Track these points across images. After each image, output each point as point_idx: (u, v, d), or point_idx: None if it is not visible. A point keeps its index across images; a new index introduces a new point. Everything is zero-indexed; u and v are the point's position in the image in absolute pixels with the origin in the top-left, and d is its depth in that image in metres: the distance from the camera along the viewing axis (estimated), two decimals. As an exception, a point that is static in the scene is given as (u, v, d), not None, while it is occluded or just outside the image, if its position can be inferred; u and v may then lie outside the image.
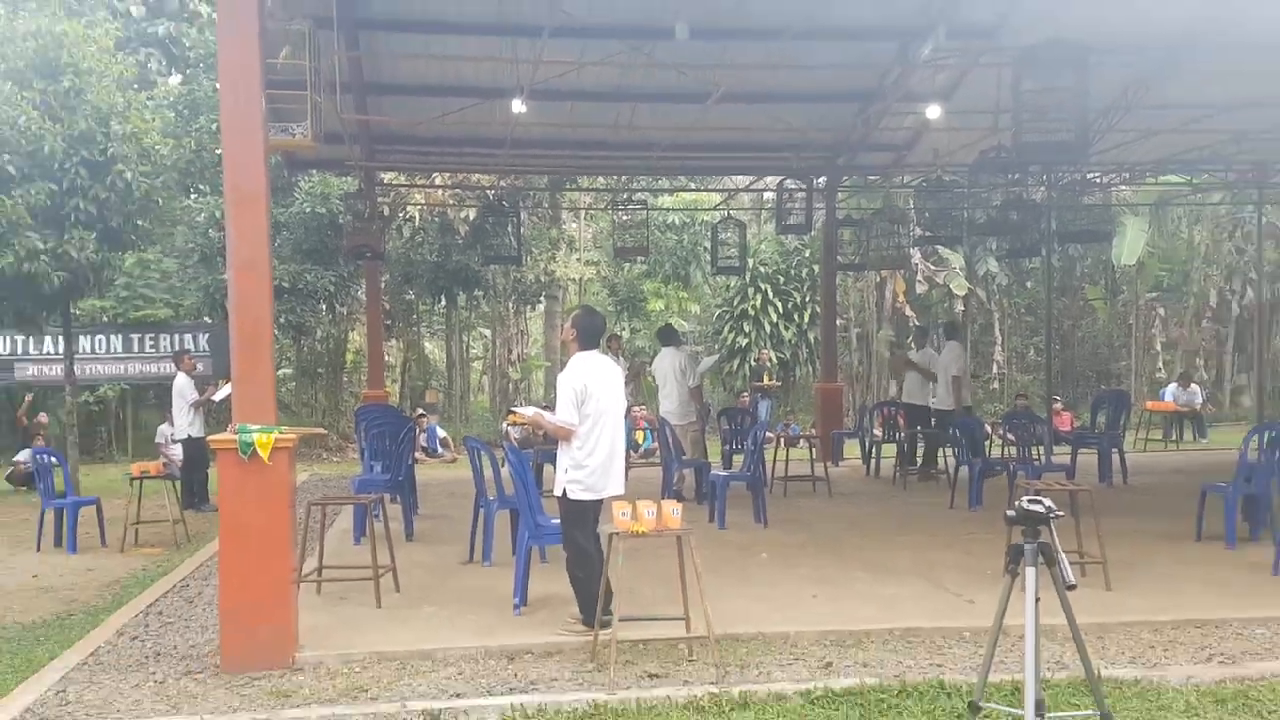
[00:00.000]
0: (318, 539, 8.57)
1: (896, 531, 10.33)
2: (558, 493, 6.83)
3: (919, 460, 14.24)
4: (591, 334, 7.02)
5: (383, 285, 17.24)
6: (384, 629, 7.04)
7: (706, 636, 6.34)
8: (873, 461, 14.86)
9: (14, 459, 16.17)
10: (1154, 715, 5.53)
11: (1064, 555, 2.95)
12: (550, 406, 7.68)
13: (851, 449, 15.87)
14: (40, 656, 6.80)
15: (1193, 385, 21.54)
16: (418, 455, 12.51)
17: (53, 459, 11.96)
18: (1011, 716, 2.95)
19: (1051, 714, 3.17)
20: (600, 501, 6.83)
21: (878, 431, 15.21)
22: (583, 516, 6.79)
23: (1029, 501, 2.91)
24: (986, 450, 12.81)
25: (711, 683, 5.90)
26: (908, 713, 5.58)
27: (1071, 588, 2.90)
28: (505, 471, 8.58)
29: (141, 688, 6.12)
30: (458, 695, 5.82)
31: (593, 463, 6.70)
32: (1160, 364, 25.73)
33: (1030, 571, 2.88)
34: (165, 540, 11.02)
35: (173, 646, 6.95)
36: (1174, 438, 20.00)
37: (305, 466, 16.03)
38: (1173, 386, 21.57)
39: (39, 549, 10.85)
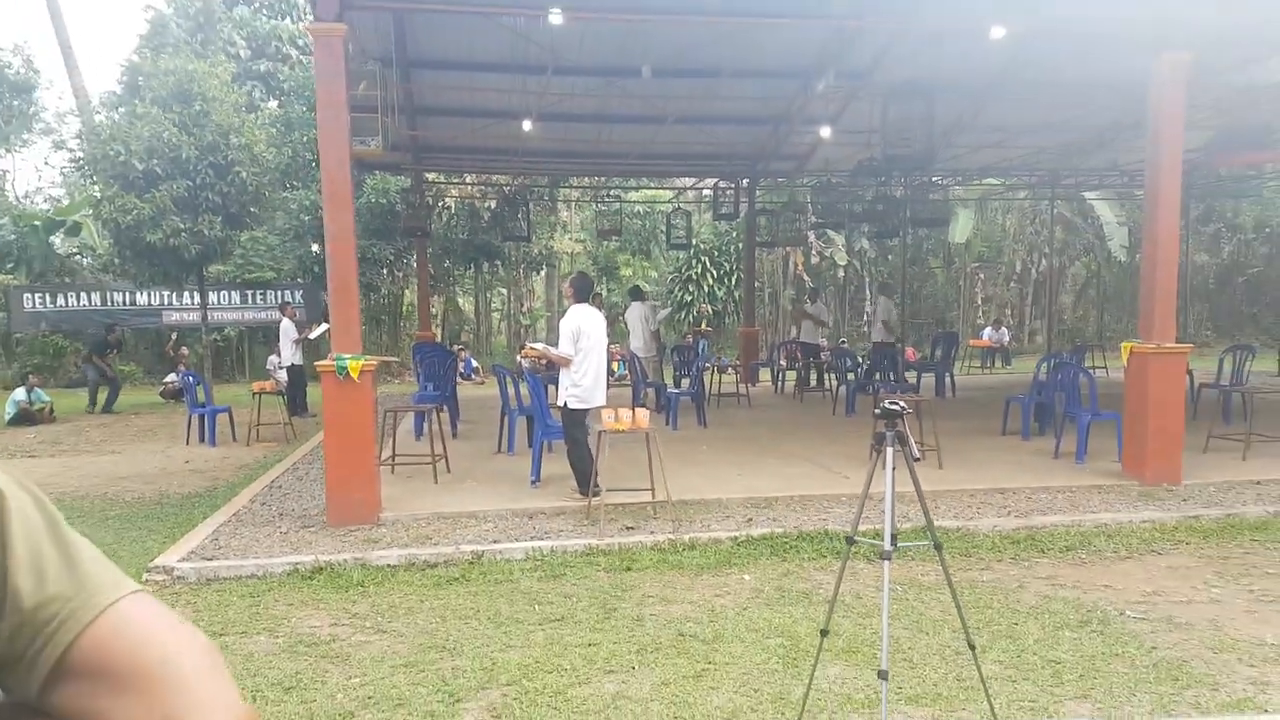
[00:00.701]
0: (391, 436, 8.68)
1: (795, 431, 10.56)
2: (560, 403, 6.96)
3: (811, 382, 14.45)
4: (583, 291, 7.12)
5: (428, 256, 17.10)
6: (440, 497, 7.19)
7: (665, 501, 6.54)
8: (779, 384, 15.08)
9: (164, 380, 16.10)
10: (970, 550, 5.81)
11: (912, 440, 3.12)
12: (553, 344, 7.77)
13: (764, 375, 16.07)
14: (196, 516, 6.92)
15: (1002, 328, 21.90)
16: (457, 379, 12.55)
17: (193, 379, 11.94)
18: (874, 545, 3.13)
19: (901, 543, 3.36)
20: (589, 409, 6.97)
21: (783, 362, 15.39)
22: (579, 420, 6.94)
23: (889, 403, 3.07)
24: (858, 374, 12.98)
25: (670, 533, 6.09)
26: (804, 549, 5.83)
27: (917, 460, 3.07)
28: (523, 389, 8.70)
29: (272, 536, 6.26)
30: (495, 541, 5.99)
31: (586, 382, 6.83)
32: (980, 313, 26.10)
33: (889, 451, 3.05)
34: (278, 438, 11.09)
35: (291, 510, 7.07)
36: (988, 365, 20.38)
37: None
38: (988, 329, 21.91)
39: (188, 443, 10.90)
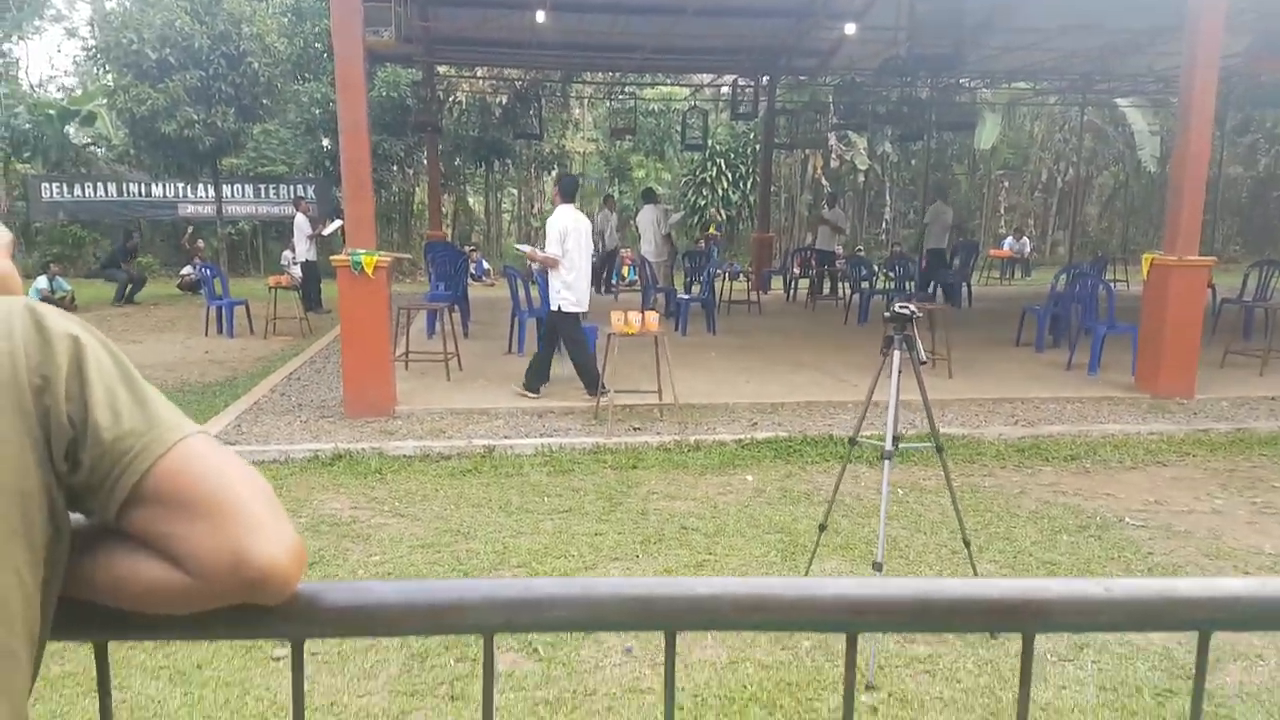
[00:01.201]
0: (404, 333, 8.76)
1: (805, 339, 10.59)
2: (553, 308, 6.98)
3: (824, 290, 14.37)
4: (569, 191, 7.08)
5: (439, 153, 16.88)
6: (452, 394, 7.32)
7: (672, 404, 6.64)
8: (791, 292, 15.02)
9: (181, 272, 16.20)
10: (974, 457, 5.92)
11: (920, 344, 3.15)
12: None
13: (776, 283, 16.00)
14: (218, 405, 7.09)
15: (1024, 238, 21.59)
16: (468, 280, 12.56)
17: (210, 271, 12.02)
18: (876, 446, 3.21)
19: (903, 445, 3.43)
20: (582, 312, 6.98)
21: (796, 270, 15.28)
22: (574, 323, 6.97)
23: (899, 307, 3.09)
24: (872, 283, 12.89)
25: (676, 434, 6.22)
26: (807, 453, 5.95)
27: (924, 363, 3.11)
28: (534, 291, 8.74)
29: (292, 425, 6.43)
30: (505, 437, 6.14)
31: (576, 282, 6.84)
32: (1002, 222, 25.73)
33: (896, 354, 3.09)
34: (294, 332, 11.22)
35: (310, 400, 7.23)
36: (1008, 276, 20.21)
37: (389, 283, 16.08)
38: (1009, 239, 21.61)
39: (206, 334, 11.06)
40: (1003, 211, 26.11)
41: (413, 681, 3.09)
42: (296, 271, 13.20)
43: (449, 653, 3.25)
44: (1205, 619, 0.78)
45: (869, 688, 3.01)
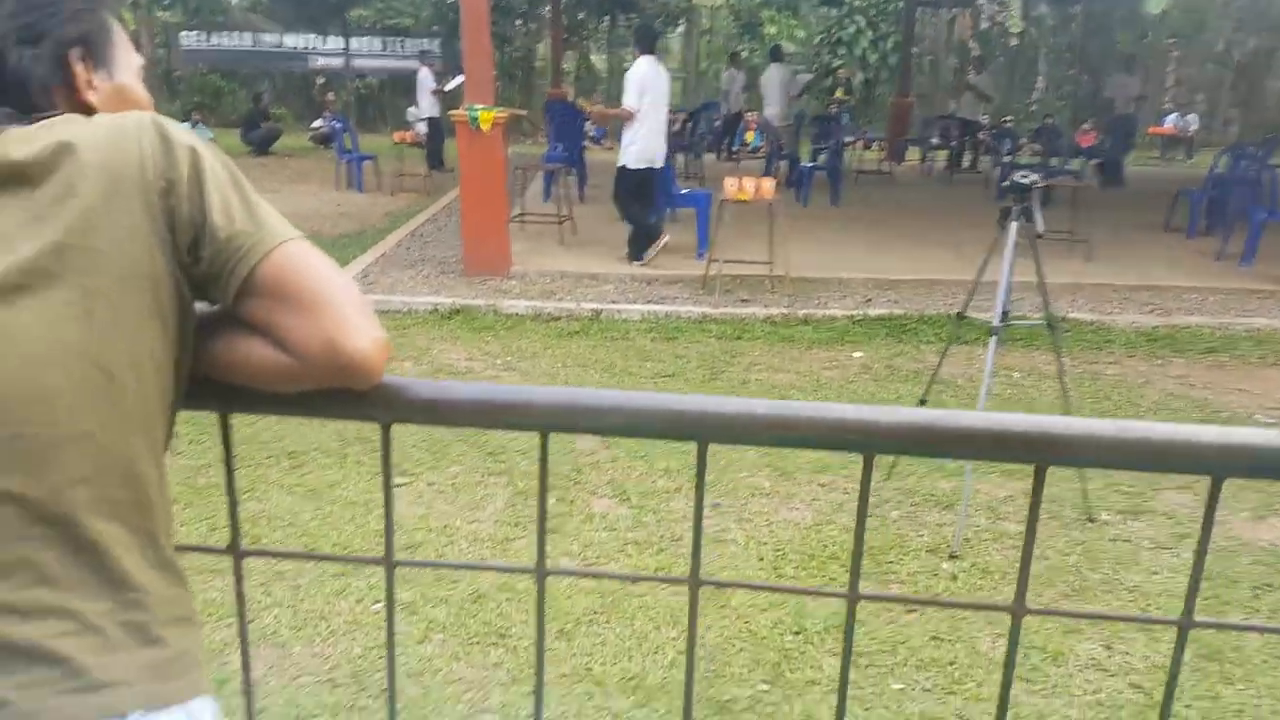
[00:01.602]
0: (520, 195, 8.93)
1: (936, 214, 10.21)
2: (621, 163, 6.94)
3: (965, 163, 13.64)
4: (649, 41, 6.96)
5: (561, 6, 16.54)
6: (565, 257, 7.49)
7: (783, 276, 6.61)
8: (928, 163, 14.34)
9: (312, 125, 16.75)
10: (1101, 344, 5.72)
11: (1039, 216, 3.05)
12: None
13: (913, 153, 15.27)
14: (347, 257, 7.47)
15: (1189, 115, 19.77)
16: (585, 144, 12.47)
17: (340, 124, 12.41)
18: (984, 322, 3.16)
19: (1014, 321, 3.36)
20: (654, 170, 6.94)
21: (935, 140, 14.52)
22: (637, 180, 6.94)
23: (1019, 176, 2.98)
24: (1015, 157, 12.14)
25: (785, 307, 6.22)
26: (922, 332, 5.87)
27: (1040, 236, 3.01)
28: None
29: (415, 278, 6.77)
30: (613, 302, 6.29)
31: (646, 136, 6.78)
32: (1168, 97, 23.56)
33: (1013, 225, 3.00)
34: (419, 188, 11.56)
35: (431, 256, 7.55)
36: (1169, 156, 18.68)
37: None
38: (1174, 115, 19.84)
39: (337, 188, 11.53)
40: (1169, 85, 23.86)
41: (515, 514, 3.35)
42: (421, 128, 13.47)
43: (550, 494, 3.50)
44: (1217, 463, 0.81)
45: (952, 557, 3.09)
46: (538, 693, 1.06)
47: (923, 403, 3.54)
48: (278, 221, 0.89)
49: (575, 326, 5.81)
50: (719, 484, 3.65)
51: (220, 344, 0.91)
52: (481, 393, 0.96)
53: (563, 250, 7.71)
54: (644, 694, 2.34)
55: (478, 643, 2.57)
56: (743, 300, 6.40)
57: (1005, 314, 3.08)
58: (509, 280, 6.77)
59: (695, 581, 1.03)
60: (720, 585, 1.08)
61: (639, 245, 7.09)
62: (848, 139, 12.19)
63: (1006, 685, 0.97)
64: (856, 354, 5.47)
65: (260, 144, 15.27)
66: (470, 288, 6.54)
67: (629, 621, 2.68)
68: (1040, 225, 2.96)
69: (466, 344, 5.43)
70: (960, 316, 3.35)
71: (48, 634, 0.78)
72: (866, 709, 2.32)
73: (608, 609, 2.73)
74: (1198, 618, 0.91)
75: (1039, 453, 0.88)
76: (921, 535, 3.24)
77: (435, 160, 13.05)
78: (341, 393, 0.92)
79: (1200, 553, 0.86)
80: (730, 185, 6.37)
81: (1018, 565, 2.95)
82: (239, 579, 1.07)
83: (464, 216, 6.90)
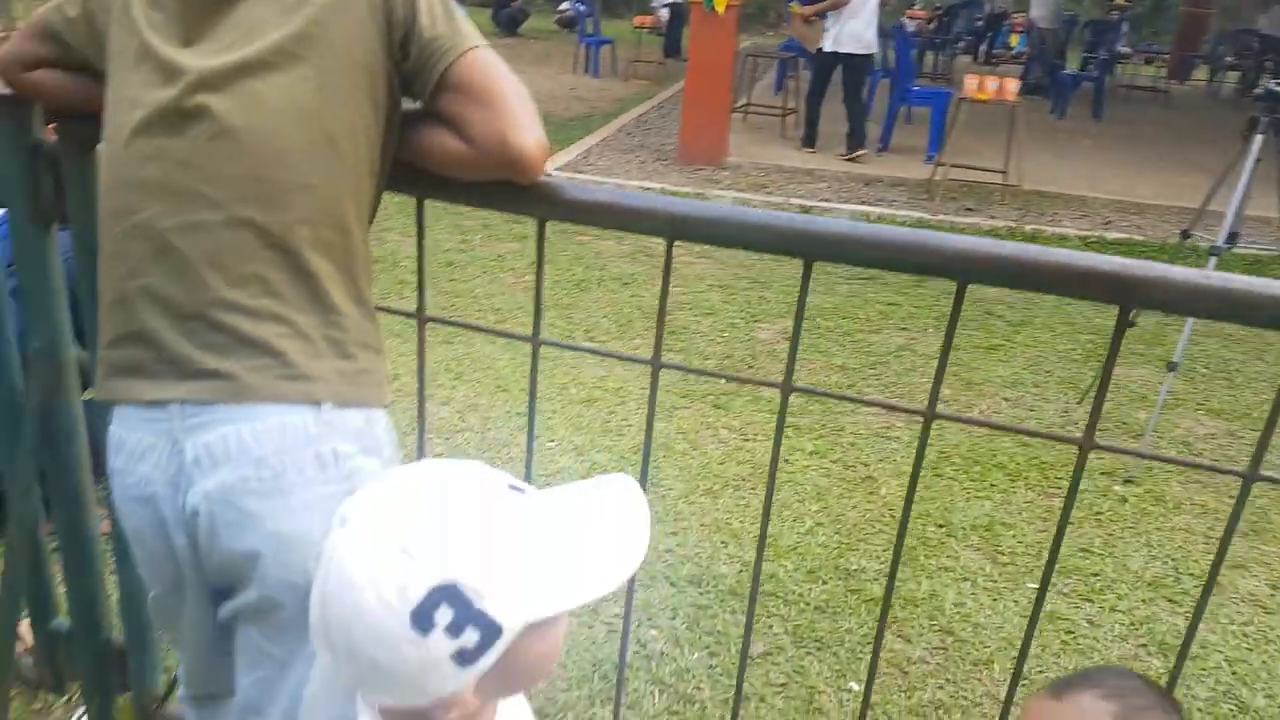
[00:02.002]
0: (749, 85, 8.89)
1: (1211, 140, 9.15)
2: (818, 47, 6.94)
3: (1261, 86, 11.99)
4: None
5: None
6: (782, 151, 7.47)
7: (1016, 187, 6.28)
8: (1216, 84, 12.74)
9: (559, 8, 17.22)
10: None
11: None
12: None
13: (1201, 73, 13.61)
14: (572, 137, 7.85)
15: None
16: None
17: (583, 8, 12.72)
18: (1209, 242, 2.95)
19: (1245, 244, 3.11)
20: (869, 55, 7.01)
21: (1230, 58, 12.83)
22: (836, 64, 6.92)
23: (1275, 84, 2.72)
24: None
25: (1012, 220, 5.93)
26: (1159, 259, 5.44)
27: (1287, 151, 2.75)
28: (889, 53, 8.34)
29: (630, 163, 7.03)
30: (824, 200, 6.25)
31: (848, 20, 6.71)
32: None
33: (1258, 138, 2.76)
34: (652, 76, 11.75)
35: (650, 144, 7.77)
36: None
37: (746, 38, 15.98)
38: None
39: (574, 72, 11.94)
40: None
41: (685, 386, 3.58)
42: (664, 14, 13.56)
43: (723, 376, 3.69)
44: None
45: (1127, 481, 3.01)
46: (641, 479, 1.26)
47: (1130, 324, 3.37)
48: (471, 30, 1.10)
49: (780, 221, 5.85)
50: (893, 380, 3.70)
51: (419, 133, 1.14)
52: (622, 199, 1.15)
53: (782, 144, 7.69)
54: (775, 551, 2.52)
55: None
56: (967, 209, 6.17)
57: (1234, 235, 2.86)
58: (722, 171, 6.87)
59: (787, 386, 1.19)
60: (809, 392, 1.22)
61: (854, 137, 7.04)
62: (1124, 50, 11.05)
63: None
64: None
65: (508, 24, 15.95)
66: (682, 176, 6.70)
67: (775, 491, 2.86)
68: (1292, 143, 2.69)
69: (673, 227, 5.63)
70: (1185, 235, 3.14)
71: (271, 334, 1.05)
72: (995, 599, 2.38)
73: (756, 478, 2.91)
74: None
75: (1124, 295, 0.95)
76: (1102, 458, 3.16)
77: (673, 47, 13.14)
78: (508, 187, 1.12)
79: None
80: (970, 83, 6.08)
81: (1193, 498, 2.83)
82: (421, 340, 1.33)
83: (685, 102, 7.02)
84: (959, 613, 2.34)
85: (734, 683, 2.02)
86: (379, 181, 1.15)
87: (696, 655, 2.14)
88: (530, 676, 0.78)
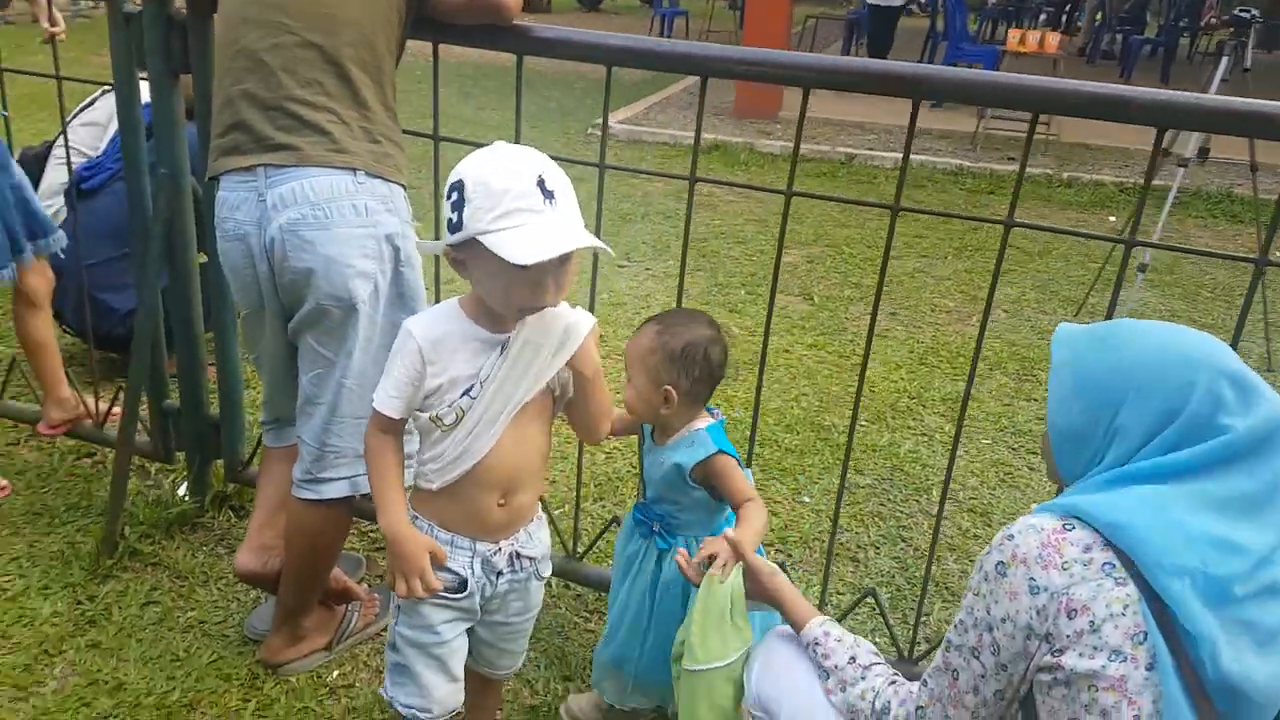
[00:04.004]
0: (810, 47, 9.14)
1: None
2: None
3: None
4: None
5: None
6: (837, 104, 7.72)
7: (1057, 138, 6.49)
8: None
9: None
10: None
11: (1250, 52, 3.05)
12: None
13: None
14: (637, 96, 8.28)
15: None
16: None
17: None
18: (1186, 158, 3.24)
19: (1211, 158, 3.38)
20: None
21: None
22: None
23: (1241, 10, 3.00)
24: None
25: (1050, 168, 6.16)
26: (1194, 207, 5.62)
27: (1247, 70, 3.03)
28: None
29: (687, 118, 7.50)
30: (870, 149, 6.56)
31: None
32: None
33: (1224, 59, 3.04)
34: (725, 41, 12.05)
35: (708, 101, 8.12)
36: None
37: (818, 7, 16.14)
38: None
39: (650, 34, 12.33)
40: None
41: (711, 297, 4.01)
42: (737, -14, 13.85)
43: (741, 288, 4.10)
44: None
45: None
46: (592, 290, 1.71)
47: (1142, 270, 3.70)
48: None
49: (824, 169, 6.21)
50: (904, 296, 4.06)
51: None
52: (574, 35, 1.63)
53: (835, 98, 7.95)
54: (759, 411, 2.96)
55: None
56: (1009, 158, 6.41)
57: (1204, 151, 3.15)
58: (774, 124, 7.23)
59: (789, 192, 1.64)
60: (808, 195, 1.66)
61: None
62: (1208, 16, 10.89)
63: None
64: (1111, 218, 5.41)
65: (589, 1, 16.49)
66: (736, 127, 7.10)
67: (770, 371, 3.28)
68: (1248, 61, 2.97)
69: (716, 172, 6.05)
70: (1165, 153, 3.43)
71: (323, 120, 1.55)
72: (945, 448, 2.77)
73: (752, 362, 3.32)
74: None
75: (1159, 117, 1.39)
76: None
77: (743, 17, 13.41)
78: (492, 29, 1.60)
79: None
80: (1013, 37, 6.32)
81: (1210, 279, 3.14)
82: (436, 158, 1.82)
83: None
84: (911, 456, 2.74)
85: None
86: (404, 23, 1.63)
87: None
88: (483, 286, 1.25)
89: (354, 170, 1.56)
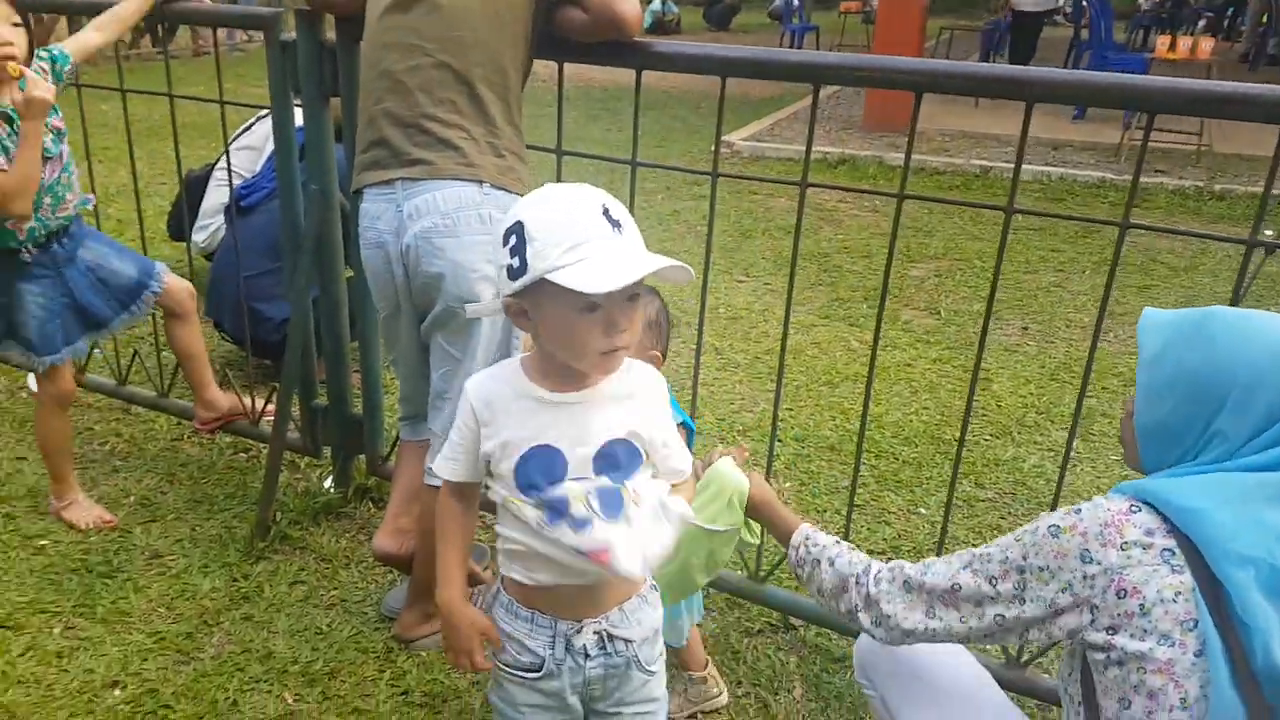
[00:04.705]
0: (946, 53, 8.97)
1: None
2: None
3: None
4: None
5: None
6: (974, 117, 7.57)
7: (1209, 149, 6.15)
8: None
9: (774, 1, 17.72)
10: None
11: None
12: None
13: None
14: (762, 113, 8.33)
15: None
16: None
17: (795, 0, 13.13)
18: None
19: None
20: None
21: None
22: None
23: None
24: None
25: (1201, 180, 5.84)
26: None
27: None
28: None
29: (816, 132, 7.41)
30: (1007, 161, 6.38)
31: None
32: None
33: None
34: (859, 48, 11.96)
35: (838, 114, 8.22)
36: None
37: (958, 19, 15.75)
38: None
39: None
40: None
41: (827, 310, 4.01)
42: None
43: (863, 303, 4.08)
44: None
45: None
46: (702, 294, 1.79)
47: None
48: None
49: (957, 181, 6.09)
50: (1038, 310, 3.96)
51: (557, 11, 1.74)
52: (684, 49, 1.71)
53: (976, 112, 7.79)
54: (878, 425, 2.95)
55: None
56: (1158, 171, 6.12)
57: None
58: (904, 137, 7.10)
59: (901, 196, 1.68)
60: (921, 199, 1.70)
61: None
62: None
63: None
64: (1268, 232, 5.08)
65: (718, 20, 16.68)
66: (865, 141, 7.04)
67: (891, 385, 3.26)
68: None
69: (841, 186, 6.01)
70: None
71: (455, 136, 1.69)
72: (1073, 466, 2.69)
73: (876, 376, 3.31)
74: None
75: None
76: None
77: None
78: (613, 47, 1.70)
79: None
80: (1162, 44, 6.05)
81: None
82: (559, 172, 1.94)
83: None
84: (1036, 471, 2.68)
85: (818, 505, 2.50)
86: (530, 43, 1.76)
87: (789, 484, 2.63)
88: (550, 334, 1.11)
89: (480, 182, 1.69)
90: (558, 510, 1.12)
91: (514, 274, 1.07)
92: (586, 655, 1.22)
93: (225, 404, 2.61)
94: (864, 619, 1.23)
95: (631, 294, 1.08)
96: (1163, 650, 0.97)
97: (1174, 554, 0.98)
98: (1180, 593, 0.97)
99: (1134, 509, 1.01)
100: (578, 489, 1.13)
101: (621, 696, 1.27)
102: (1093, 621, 1.01)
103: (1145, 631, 0.98)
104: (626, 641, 1.24)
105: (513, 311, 1.13)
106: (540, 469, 1.13)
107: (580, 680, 1.24)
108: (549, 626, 1.22)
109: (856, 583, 1.24)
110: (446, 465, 1.22)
